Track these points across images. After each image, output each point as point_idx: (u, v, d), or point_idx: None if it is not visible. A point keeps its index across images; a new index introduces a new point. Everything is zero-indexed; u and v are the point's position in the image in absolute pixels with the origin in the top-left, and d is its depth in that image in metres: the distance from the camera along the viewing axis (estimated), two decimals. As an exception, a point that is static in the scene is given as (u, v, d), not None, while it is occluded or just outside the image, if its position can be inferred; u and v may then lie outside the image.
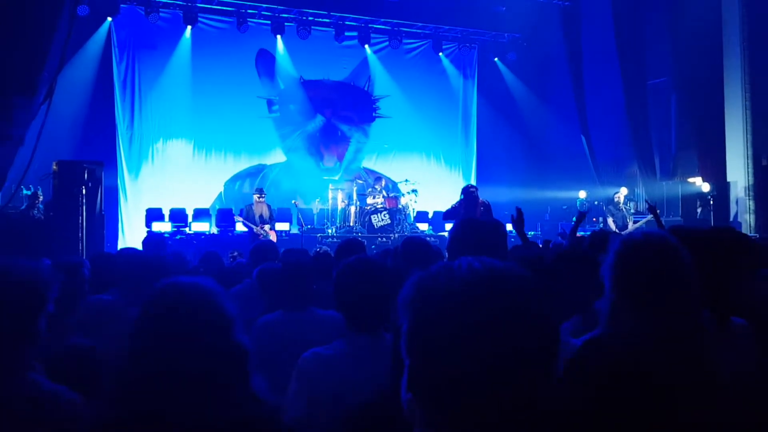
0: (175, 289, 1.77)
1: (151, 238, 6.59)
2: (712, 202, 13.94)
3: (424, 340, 1.02)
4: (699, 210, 14.20)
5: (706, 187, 14.40)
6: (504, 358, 0.98)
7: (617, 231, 12.40)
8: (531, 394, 1.00)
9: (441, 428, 1.02)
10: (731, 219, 14.04)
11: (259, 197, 12.73)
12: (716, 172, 14.45)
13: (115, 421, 1.67)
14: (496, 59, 18.39)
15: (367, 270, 2.63)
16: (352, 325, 2.59)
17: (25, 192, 11.27)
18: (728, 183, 14.30)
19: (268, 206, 12.83)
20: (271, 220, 12.75)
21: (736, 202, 14.21)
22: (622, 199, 13.25)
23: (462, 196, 10.59)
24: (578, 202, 15.36)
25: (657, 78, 15.59)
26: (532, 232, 15.59)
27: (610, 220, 13.17)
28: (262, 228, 12.39)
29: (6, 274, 2.00)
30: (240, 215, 12.95)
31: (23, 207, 11.20)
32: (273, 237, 12.27)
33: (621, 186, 15.35)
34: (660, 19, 14.75)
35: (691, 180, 15.03)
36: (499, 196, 16.16)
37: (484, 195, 16.94)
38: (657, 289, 1.93)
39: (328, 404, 2.43)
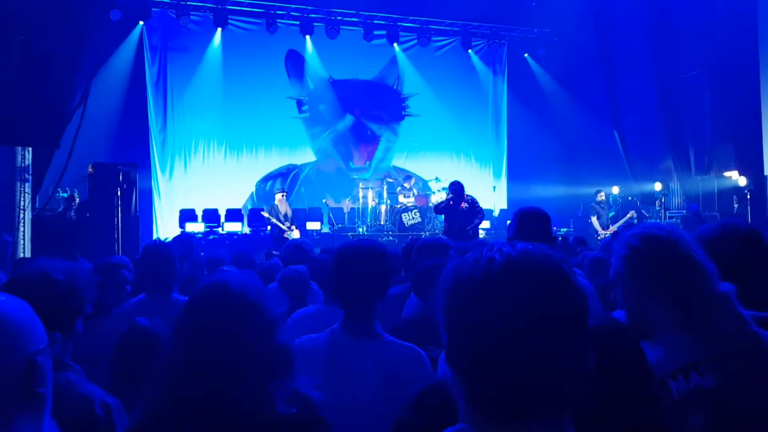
0: (221, 287, 1.77)
1: (181, 238, 6.64)
2: (749, 197, 13.64)
3: (455, 319, 1.09)
4: (736, 205, 13.91)
5: (742, 181, 14.09)
6: (529, 335, 1.03)
7: (601, 230, 12.99)
8: (559, 372, 1.04)
9: (478, 403, 1.07)
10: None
11: (282, 196, 12.86)
12: (753, 166, 14.13)
13: (160, 413, 1.69)
14: (525, 55, 18.23)
15: (364, 253, 2.55)
16: (344, 311, 2.53)
17: (61, 194, 11.47)
18: (765, 177, 13.99)
19: (289, 205, 12.99)
20: (293, 220, 12.88)
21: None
22: (604, 199, 13.67)
23: (449, 193, 10.76)
24: (611, 198, 15.19)
25: (691, 71, 15.31)
26: (564, 229, 15.46)
27: (594, 219, 13.29)
28: (290, 227, 12.48)
29: (45, 276, 2.03)
30: (270, 213, 12.97)
31: (60, 209, 11.40)
32: (297, 235, 12.35)
33: (655, 181, 15.18)
34: (693, 10, 14.48)
35: (727, 174, 14.73)
36: (530, 192, 16.05)
37: (516, 192, 16.97)
38: (679, 275, 1.91)
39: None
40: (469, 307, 1.07)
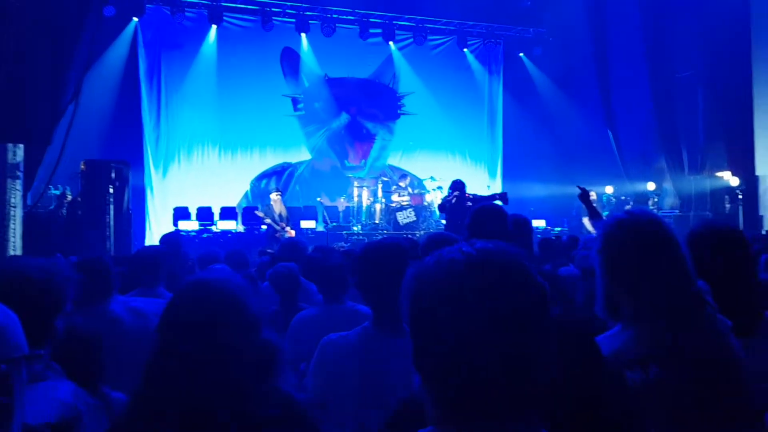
0: (201, 286, 1.77)
1: (168, 237, 6.55)
2: (740, 197, 13.69)
3: (421, 323, 1.09)
4: (728, 205, 13.96)
5: (734, 181, 14.15)
6: (493, 333, 1.02)
7: (593, 230, 12.73)
8: (526, 369, 1.04)
9: (446, 405, 1.07)
10: (761, 213, 13.82)
11: (277, 195, 12.86)
12: (745, 166, 14.19)
13: (140, 414, 1.68)
14: (521, 54, 18.25)
15: (392, 250, 2.55)
16: (373, 310, 2.55)
17: (53, 192, 11.42)
18: (757, 177, 14.04)
19: (284, 205, 13.00)
20: (288, 220, 12.87)
21: (766, 196, 13.95)
22: (596, 198, 13.56)
23: (451, 191, 10.73)
24: (605, 198, 15.22)
25: (684, 71, 15.34)
26: (559, 228, 15.47)
27: (586, 220, 13.29)
28: (284, 227, 12.49)
29: (23, 274, 2.01)
30: (264, 213, 13.00)
31: (52, 207, 11.36)
32: (292, 235, 12.38)
33: (648, 180, 15.21)
34: (687, 11, 14.50)
35: (719, 174, 14.78)
36: (525, 191, 16.05)
37: (511, 191, 16.92)
38: (647, 263, 1.90)
39: (343, 391, 2.41)
40: (433, 309, 1.06)
